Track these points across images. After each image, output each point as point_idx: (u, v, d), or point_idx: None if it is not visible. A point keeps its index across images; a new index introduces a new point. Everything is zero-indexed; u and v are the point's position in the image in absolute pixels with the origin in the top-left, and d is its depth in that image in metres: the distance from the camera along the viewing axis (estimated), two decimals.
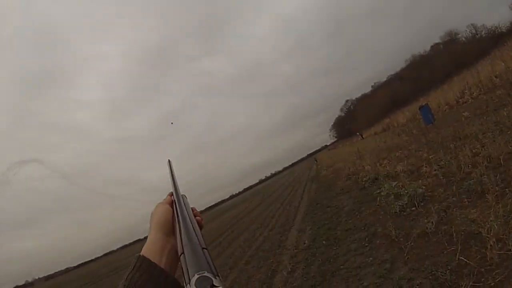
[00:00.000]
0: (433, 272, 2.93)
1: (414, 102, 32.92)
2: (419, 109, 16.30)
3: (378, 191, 6.79)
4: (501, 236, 2.79)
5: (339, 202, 8.44)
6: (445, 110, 17.05)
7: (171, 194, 0.69)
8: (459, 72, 29.40)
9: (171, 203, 0.65)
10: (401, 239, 4.03)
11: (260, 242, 8.84)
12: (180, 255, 0.47)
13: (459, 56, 41.61)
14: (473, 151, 5.61)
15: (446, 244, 3.25)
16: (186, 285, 0.40)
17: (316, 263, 4.90)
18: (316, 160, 48.47)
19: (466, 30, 50.75)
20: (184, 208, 0.61)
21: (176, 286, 0.48)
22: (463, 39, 51.13)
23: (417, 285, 2.90)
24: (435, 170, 5.96)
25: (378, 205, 6.05)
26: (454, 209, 3.94)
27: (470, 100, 14.58)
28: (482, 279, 2.49)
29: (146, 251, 0.53)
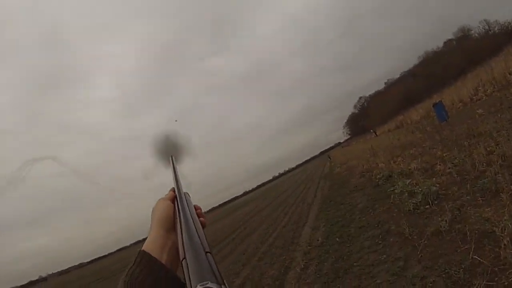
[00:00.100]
0: (446, 271, 2.95)
1: (427, 99, 32.33)
2: (433, 106, 16.09)
3: (392, 189, 6.77)
4: None
5: (352, 200, 8.43)
6: (459, 108, 16.73)
7: (173, 190, 0.69)
8: (473, 69, 28.66)
9: (173, 199, 0.65)
10: (415, 237, 4.05)
11: (273, 239, 8.91)
12: (182, 260, 0.45)
13: (472, 52, 40.37)
14: (488, 149, 5.54)
15: (460, 243, 3.26)
16: None
17: (329, 260, 4.95)
18: (329, 157, 47.90)
19: (479, 26, 49.27)
20: (187, 207, 0.60)
21: (176, 282, 0.48)
22: (476, 35, 49.70)
23: (430, 283, 2.93)
24: (449, 168, 5.91)
25: (392, 202, 6.05)
26: (468, 208, 3.93)
27: (484, 97, 14.26)
28: (496, 278, 2.51)
29: (148, 247, 0.53)
